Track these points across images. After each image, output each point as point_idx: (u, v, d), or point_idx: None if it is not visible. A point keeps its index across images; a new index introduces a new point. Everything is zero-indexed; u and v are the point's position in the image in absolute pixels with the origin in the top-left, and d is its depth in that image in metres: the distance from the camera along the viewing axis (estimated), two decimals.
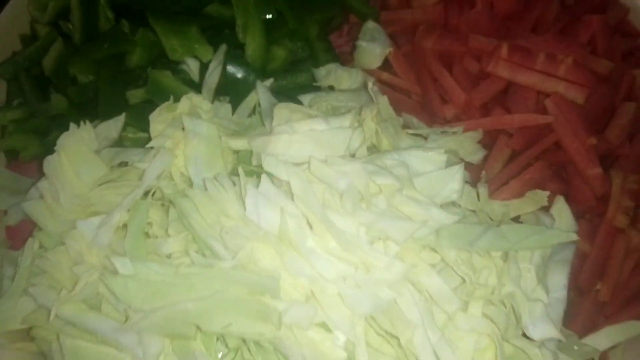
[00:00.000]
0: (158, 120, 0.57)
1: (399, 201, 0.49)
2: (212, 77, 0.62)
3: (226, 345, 0.50)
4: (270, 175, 0.50)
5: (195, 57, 0.64)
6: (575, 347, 0.55)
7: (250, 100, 0.62)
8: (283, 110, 0.57)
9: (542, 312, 0.51)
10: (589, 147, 0.59)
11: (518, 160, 0.61)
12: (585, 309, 0.59)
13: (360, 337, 0.47)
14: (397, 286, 0.48)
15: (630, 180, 0.60)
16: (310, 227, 0.49)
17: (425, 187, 0.51)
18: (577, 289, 0.59)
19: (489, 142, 0.62)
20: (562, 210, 0.58)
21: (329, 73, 0.66)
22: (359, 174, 0.50)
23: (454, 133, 0.60)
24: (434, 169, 0.53)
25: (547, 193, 0.56)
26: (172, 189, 0.53)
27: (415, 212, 0.49)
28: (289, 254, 0.47)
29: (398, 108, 0.64)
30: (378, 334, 0.48)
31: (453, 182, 0.52)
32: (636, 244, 0.59)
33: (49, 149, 0.61)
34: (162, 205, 0.54)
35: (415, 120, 0.64)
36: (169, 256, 0.52)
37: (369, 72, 0.68)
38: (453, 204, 0.54)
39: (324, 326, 0.47)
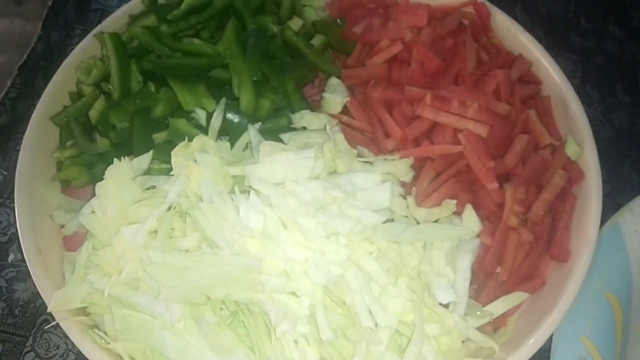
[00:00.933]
0: (177, 154, 0.78)
1: (345, 207, 0.71)
2: (216, 122, 0.82)
3: (227, 310, 0.72)
4: (257, 192, 0.73)
5: (203, 107, 0.83)
6: (478, 312, 0.77)
7: (243, 139, 0.82)
8: (266, 146, 0.78)
9: (446, 284, 0.72)
10: (489, 169, 0.80)
11: (439, 178, 0.82)
12: (489, 286, 0.80)
13: (318, 300, 0.68)
14: (344, 266, 0.69)
15: (520, 192, 0.81)
16: (285, 226, 0.71)
17: (364, 198, 0.73)
18: (483, 272, 0.81)
19: (419, 166, 0.84)
20: (470, 214, 0.79)
21: (302, 117, 0.85)
22: (318, 189, 0.73)
23: (392, 160, 0.82)
24: (372, 185, 0.75)
25: (455, 201, 0.78)
26: (188, 204, 0.75)
27: (356, 214, 0.71)
28: (269, 244, 0.69)
29: (354, 142, 0.85)
30: (331, 299, 0.70)
31: (384, 193, 0.73)
32: (525, 238, 0.80)
33: (95, 178, 0.82)
34: (181, 216, 0.76)
35: (366, 151, 0.85)
36: (187, 250, 0.73)
37: (333, 115, 0.86)
38: (388, 210, 0.76)
39: (294, 294, 0.69)
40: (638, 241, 0.81)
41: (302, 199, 0.71)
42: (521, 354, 0.72)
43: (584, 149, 0.85)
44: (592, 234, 0.78)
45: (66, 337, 0.78)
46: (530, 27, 0.97)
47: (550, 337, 0.76)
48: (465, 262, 0.76)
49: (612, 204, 0.92)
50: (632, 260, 0.80)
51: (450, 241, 0.75)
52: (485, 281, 0.80)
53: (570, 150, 0.86)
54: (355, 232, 0.70)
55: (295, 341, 0.69)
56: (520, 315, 0.80)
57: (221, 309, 0.71)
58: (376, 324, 0.69)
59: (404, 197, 0.80)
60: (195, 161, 0.77)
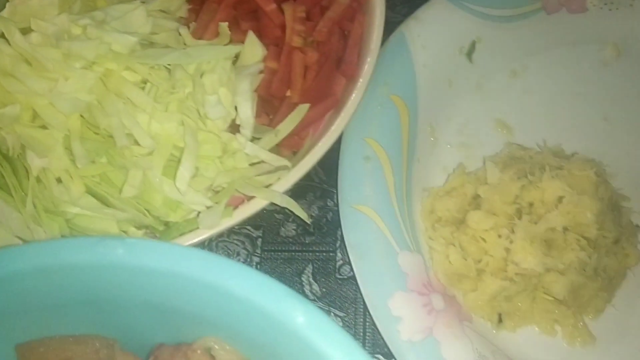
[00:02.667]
0: None
1: (93, 34, 0.67)
2: None
3: None
4: None
5: None
6: (268, 134, 0.74)
7: None
8: None
9: (216, 101, 0.69)
10: None
11: (219, 9, 0.79)
12: (282, 110, 0.77)
13: (73, 130, 0.64)
14: (97, 92, 0.65)
15: (299, 10, 0.78)
16: (28, 63, 0.66)
17: (119, 25, 0.69)
18: (273, 96, 0.78)
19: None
20: (251, 40, 0.76)
21: None
22: (65, 21, 0.68)
23: None
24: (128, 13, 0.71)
25: (226, 23, 0.75)
26: None
27: (105, 39, 0.66)
28: (7, 80, 0.64)
29: None
30: (88, 128, 0.66)
31: (138, 17, 0.69)
32: (310, 57, 0.78)
33: None
34: None
35: None
36: None
37: None
38: (154, 42, 0.72)
39: (43, 127, 0.64)
40: (422, 44, 0.80)
41: (47, 33, 0.66)
42: (308, 160, 0.70)
43: None
44: (375, 44, 0.76)
45: None
46: None
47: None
48: (245, 84, 0.72)
49: None
50: (416, 64, 0.79)
51: (225, 63, 0.72)
52: (279, 106, 0.78)
53: None
54: (108, 58, 0.66)
55: (58, 179, 0.64)
56: (318, 135, 0.78)
57: None
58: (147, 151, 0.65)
59: (178, 33, 0.75)
60: None
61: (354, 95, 0.74)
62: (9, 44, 0.65)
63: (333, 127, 0.72)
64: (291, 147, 0.77)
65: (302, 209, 0.69)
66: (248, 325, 0.48)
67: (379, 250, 0.68)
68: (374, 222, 0.68)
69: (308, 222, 0.78)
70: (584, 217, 0.69)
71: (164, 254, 0.49)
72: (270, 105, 0.78)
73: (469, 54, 0.82)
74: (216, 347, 0.52)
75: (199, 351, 0.52)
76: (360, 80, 0.75)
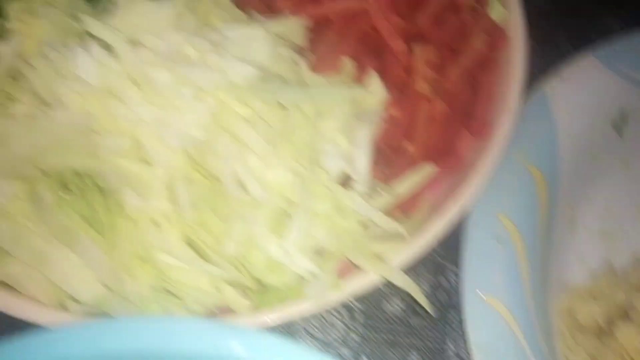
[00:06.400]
0: (15, 8, 0.64)
1: (211, 60, 0.58)
2: None
3: (69, 188, 0.58)
4: (102, 43, 0.59)
5: None
6: (383, 193, 0.65)
7: None
8: None
9: (337, 153, 0.60)
10: (396, 27, 0.68)
11: (340, 41, 0.70)
12: (398, 164, 0.69)
13: (177, 169, 0.56)
14: (210, 129, 0.57)
15: (432, 54, 0.69)
16: (134, 82, 0.57)
17: (238, 52, 0.60)
18: (390, 147, 0.69)
19: (316, 28, 0.71)
20: (373, 80, 0.67)
21: None
22: (180, 41, 0.59)
23: (283, 19, 0.69)
24: (250, 40, 0.62)
25: (354, 62, 0.66)
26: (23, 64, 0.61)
27: (222, 67, 0.58)
28: (113, 103, 0.56)
29: (241, 3, 0.72)
30: (195, 169, 0.57)
31: (262, 46, 0.61)
32: (438, 108, 0.69)
33: None
34: (14, 79, 0.62)
35: (256, 14, 0.72)
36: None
37: None
38: (271, 71, 0.63)
39: (145, 161, 0.56)
40: (566, 109, 0.70)
41: (158, 52, 0.58)
42: (430, 233, 0.61)
43: (510, 11, 0.74)
44: (513, 102, 0.67)
45: None
46: None
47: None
48: (364, 133, 0.64)
49: (542, 77, 0.80)
50: (559, 131, 0.69)
51: (347, 108, 0.63)
52: (395, 159, 0.69)
53: (495, 12, 0.74)
54: (223, 88, 0.57)
55: (153, 220, 0.56)
56: (436, 199, 0.69)
57: (62, 185, 0.58)
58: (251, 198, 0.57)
59: (296, 64, 0.67)
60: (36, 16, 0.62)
61: (487, 160, 0.65)
62: (116, 59, 0.57)
63: (462, 196, 0.63)
64: (404, 208, 0.68)
65: (414, 285, 0.60)
66: None
67: (510, 357, 0.58)
68: (505, 321, 0.59)
69: (432, 314, 0.68)
70: None
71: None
72: (383, 156, 0.69)
73: (619, 126, 0.72)
74: None
75: None
76: (495, 143, 0.66)
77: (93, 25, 0.58)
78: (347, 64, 0.66)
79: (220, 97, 0.58)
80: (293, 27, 0.69)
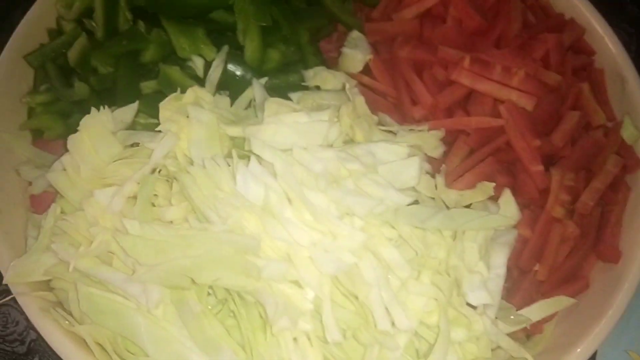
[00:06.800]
0: (166, 108, 0.66)
1: (364, 183, 0.59)
2: (215, 74, 0.70)
3: (215, 297, 0.60)
4: (258, 158, 0.60)
5: (201, 55, 0.71)
6: (512, 317, 0.65)
7: (246, 95, 0.70)
8: (273, 104, 0.66)
9: (480, 282, 0.60)
10: (533, 148, 0.68)
11: (474, 156, 0.70)
12: (525, 286, 0.68)
13: (325, 293, 0.57)
14: (358, 253, 0.58)
15: (568, 178, 0.69)
16: (290, 201, 0.58)
17: (387, 173, 0.61)
18: (519, 269, 0.69)
19: (450, 140, 0.71)
20: (507, 200, 0.67)
21: (316, 75, 0.73)
22: (332, 159, 0.60)
23: (420, 131, 0.70)
24: (397, 159, 0.63)
25: (493, 184, 0.65)
26: (176, 167, 0.63)
27: (376, 192, 0.59)
28: (270, 222, 0.57)
29: (375, 108, 0.73)
30: (341, 292, 0.58)
31: (411, 170, 0.61)
32: (570, 232, 0.68)
33: (71, 130, 0.68)
34: (167, 181, 0.63)
35: (388, 119, 0.73)
36: (171, 222, 0.61)
37: (352, 75, 0.75)
38: (413, 189, 0.64)
39: (297, 283, 0.57)
40: None
41: (312, 170, 0.59)
42: None
43: None
44: None
45: None
46: None
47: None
48: (500, 258, 0.64)
49: None
50: None
51: (485, 232, 0.63)
52: (521, 280, 0.69)
53: (627, 133, 0.74)
54: (374, 214, 0.58)
55: (295, 339, 0.57)
56: (559, 322, 0.68)
57: (208, 294, 0.59)
58: (393, 325, 0.57)
59: (432, 176, 0.67)
60: (188, 117, 0.64)
61: (619, 297, 0.64)
62: (274, 177, 0.59)
63: (595, 333, 0.62)
64: (528, 331, 0.68)
65: None
66: None
67: None
68: None
69: None
70: None
71: None
72: (509, 275, 0.69)
73: None
74: None
75: None
76: (629, 279, 0.65)
77: (252, 140, 0.60)
78: (488, 188, 0.66)
79: (372, 222, 0.58)
80: (430, 138, 0.69)
